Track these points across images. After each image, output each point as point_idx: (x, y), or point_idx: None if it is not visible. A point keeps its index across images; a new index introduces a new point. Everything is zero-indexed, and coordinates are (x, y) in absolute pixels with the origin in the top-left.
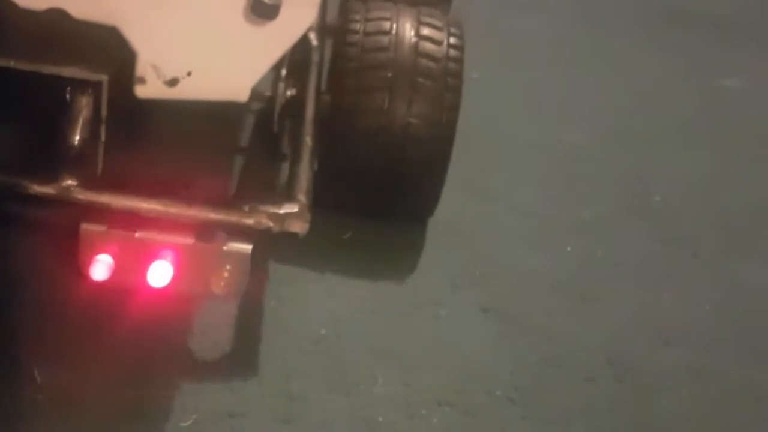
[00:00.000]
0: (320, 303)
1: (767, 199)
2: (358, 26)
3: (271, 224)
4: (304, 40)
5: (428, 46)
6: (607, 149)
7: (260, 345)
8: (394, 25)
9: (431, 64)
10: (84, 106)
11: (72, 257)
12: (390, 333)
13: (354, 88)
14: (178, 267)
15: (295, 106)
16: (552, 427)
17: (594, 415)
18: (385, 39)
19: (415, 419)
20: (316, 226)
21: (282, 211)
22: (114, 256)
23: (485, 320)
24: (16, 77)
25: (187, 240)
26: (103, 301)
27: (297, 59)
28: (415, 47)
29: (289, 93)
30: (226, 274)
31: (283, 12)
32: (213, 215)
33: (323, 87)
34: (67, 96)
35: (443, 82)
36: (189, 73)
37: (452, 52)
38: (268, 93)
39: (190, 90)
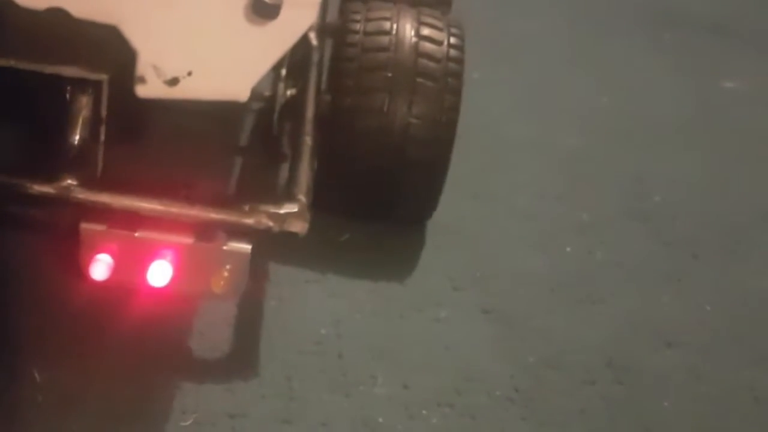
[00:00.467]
0: (320, 303)
1: (767, 201)
2: (358, 26)
3: (271, 224)
4: (304, 40)
5: (428, 46)
6: (607, 151)
7: (260, 345)
8: (395, 26)
9: (431, 64)
10: (84, 105)
11: (72, 257)
12: (390, 334)
13: (354, 88)
14: (178, 267)
15: (295, 106)
16: (551, 428)
17: (593, 417)
18: (385, 39)
19: (415, 420)
20: (316, 227)
21: (282, 211)
22: (114, 256)
23: (485, 321)
24: (17, 77)
25: (187, 240)
26: (103, 300)
27: (297, 59)
28: (416, 47)
29: (289, 93)
30: (226, 274)
31: (284, 12)
32: (213, 215)
33: (323, 87)
34: (68, 95)
35: (443, 83)
36: (189, 73)
37: (452, 53)
38: (268, 93)
39: (191, 90)
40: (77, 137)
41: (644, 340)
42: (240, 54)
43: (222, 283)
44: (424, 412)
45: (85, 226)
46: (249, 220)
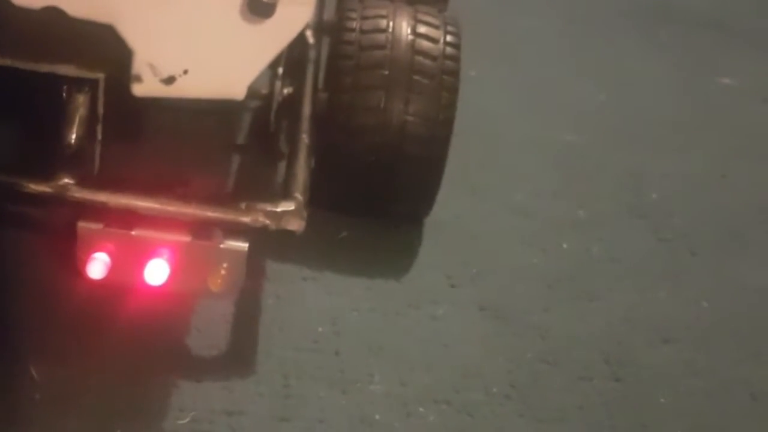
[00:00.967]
0: (318, 301)
1: (765, 196)
2: (354, 24)
3: (267, 222)
4: (301, 38)
5: (425, 43)
6: (603, 147)
7: (257, 343)
8: (391, 23)
9: (428, 62)
10: (81, 104)
11: (69, 256)
12: (387, 331)
13: (351, 86)
14: (174, 265)
15: (292, 104)
16: (549, 424)
17: (591, 413)
18: (381, 37)
19: (412, 417)
20: (314, 225)
21: (279, 209)
22: (111, 255)
23: (482, 318)
24: (12, 75)
25: (184, 238)
26: (100, 299)
27: (294, 57)
28: (412, 45)
29: (286, 91)
30: (222, 272)
31: (280, 10)
32: (210, 213)
33: (320, 85)
34: (64, 94)
35: (440, 80)
36: (185, 71)
37: (449, 50)
38: (265, 91)
39: (187, 88)
40: (74, 136)
41: (641, 336)
42: (236, 52)
43: (219, 281)
44: (421, 409)
45: (81, 224)
46: (246, 219)
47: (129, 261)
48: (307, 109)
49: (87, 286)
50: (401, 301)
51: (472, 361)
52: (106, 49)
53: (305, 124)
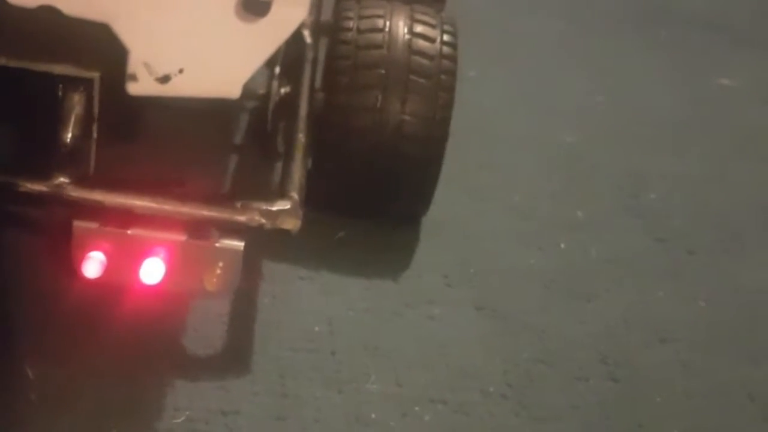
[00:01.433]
0: (314, 301)
1: (762, 197)
2: (351, 24)
3: (263, 221)
4: (298, 37)
5: (422, 43)
6: (601, 148)
7: (253, 342)
8: (388, 23)
9: (425, 61)
10: (76, 103)
11: (64, 255)
12: (383, 331)
13: (348, 85)
14: (170, 264)
15: (289, 104)
16: (545, 424)
17: (587, 413)
18: (378, 36)
19: (408, 417)
20: (310, 224)
21: (274, 208)
22: (106, 254)
23: (478, 318)
24: (8, 75)
25: (180, 237)
26: (95, 298)
27: (291, 57)
28: (409, 45)
29: (283, 91)
30: (218, 271)
31: (275, 9)
32: (206, 212)
33: (317, 84)
34: (59, 94)
35: (437, 80)
36: (181, 70)
37: (446, 50)
38: (262, 91)
39: (182, 87)
40: (69, 135)
41: (638, 336)
42: (231, 51)
43: (215, 280)
44: (417, 408)
45: (77, 223)
46: (241, 218)
47: (125, 260)
48: (304, 109)
49: (82, 285)
50: (398, 301)
51: (468, 360)
52: (102, 48)
53: (302, 124)
